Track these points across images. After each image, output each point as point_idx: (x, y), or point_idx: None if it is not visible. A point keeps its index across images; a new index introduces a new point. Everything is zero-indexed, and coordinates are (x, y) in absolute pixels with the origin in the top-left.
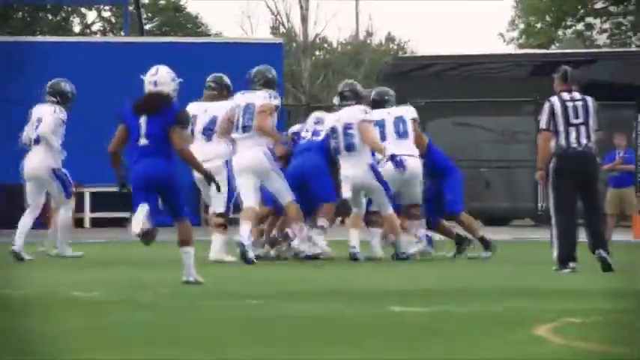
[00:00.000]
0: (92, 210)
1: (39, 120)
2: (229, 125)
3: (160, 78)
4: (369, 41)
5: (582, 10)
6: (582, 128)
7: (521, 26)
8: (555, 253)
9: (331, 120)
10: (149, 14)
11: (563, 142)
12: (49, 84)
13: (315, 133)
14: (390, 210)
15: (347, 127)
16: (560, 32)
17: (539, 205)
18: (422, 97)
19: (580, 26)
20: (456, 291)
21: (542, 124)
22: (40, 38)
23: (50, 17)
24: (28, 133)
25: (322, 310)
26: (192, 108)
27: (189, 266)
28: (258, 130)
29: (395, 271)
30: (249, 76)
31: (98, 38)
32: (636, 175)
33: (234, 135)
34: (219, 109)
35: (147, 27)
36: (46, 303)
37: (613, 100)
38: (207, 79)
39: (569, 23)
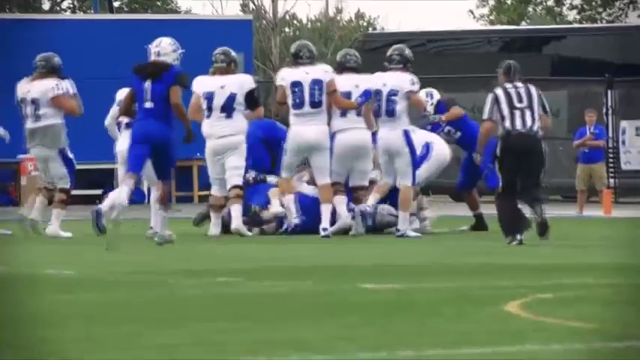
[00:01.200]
0: None
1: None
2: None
3: (163, 49)
4: (338, 18)
5: None
6: (527, 111)
7: (492, 3)
8: (503, 228)
9: (378, 82)
10: None
11: (508, 124)
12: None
13: None
14: (409, 183)
15: (392, 92)
16: (530, 8)
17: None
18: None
19: (550, 2)
20: (429, 268)
21: (485, 114)
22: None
23: None
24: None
25: (293, 287)
26: (206, 84)
27: (164, 225)
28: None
29: (368, 247)
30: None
31: (66, 15)
32: (606, 151)
33: (295, 110)
34: (234, 85)
35: (116, 4)
36: (17, 281)
37: (583, 76)
38: (216, 53)
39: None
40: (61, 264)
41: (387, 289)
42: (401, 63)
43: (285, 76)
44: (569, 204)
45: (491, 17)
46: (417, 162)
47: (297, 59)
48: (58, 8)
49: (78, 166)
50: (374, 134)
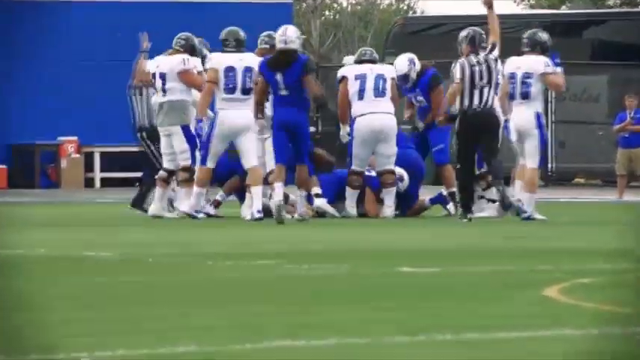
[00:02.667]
0: (102, 170)
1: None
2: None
3: (289, 37)
4: (378, 1)
5: None
6: (485, 90)
7: None
8: (458, 204)
9: (512, 66)
10: None
11: (466, 102)
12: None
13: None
14: (535, 165)
15: (526, 75)
16: None
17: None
18: (432, 58)
19: None
20: (466, 251)
21: (457, 78)
22: None
23: None
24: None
25: (331, 270)
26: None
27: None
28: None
29: (405, 231)
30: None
31: None
32: None
33: (227, 95)
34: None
35: None
36: (57, 262)
37: (623, 61)
38: (262, 36)
39: None
40: (100, 246)
41: (424, 273)
42: (529, 46)
43: (221, 60)
44: (610, 189)
45: (532, 1)
46: (544, 144)
47: (224, 46)
48: None
49: (115, 148)
50: (506, 121)
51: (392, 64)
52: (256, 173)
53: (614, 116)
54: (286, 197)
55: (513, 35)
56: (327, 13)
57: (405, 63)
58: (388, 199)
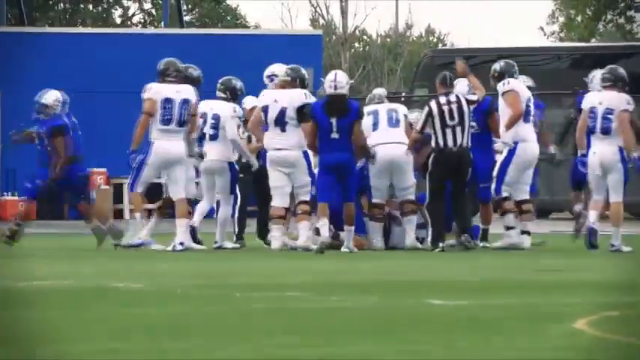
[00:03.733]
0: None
1: (215, 117)
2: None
3: (339, 83)
4: (408, 33)
5: (622, 4)
6: (457, 129)
7: (561, 19)
8: (430, 235)
9: (593, 101)
10: (189, 6)
11: (440, 141)
12: (221, 80)
13: None
14: (620, 198)
15: (608, 111)
16: (600, 25)
17: None
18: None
19: (621, 19)
20: (495, 284)
21: (418, 127)
22: (74, 29)
23: (91, 8)
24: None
25: (358, 302)
26: (265, 98)
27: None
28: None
29: (430, 263)
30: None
31: (136, 30)
32: None
33: (163, 126)
34: (285, 99)
35: (186, 18)
36: (86, 293)
37: None
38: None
39: (609, 17)
40: (130, 277)
41: (453, 306)
42: (614, 83)
43: (159, 90)
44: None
45: (562, 34)
46: (627, 178)
47: (164, 76)
48: (129, 22)
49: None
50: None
51: (420, 96)
52: (183, 205)
53: None
54: (336, 235)
55: (543, 68)
56: (356, 45)
57: (464, 85)
58: (409, 228)
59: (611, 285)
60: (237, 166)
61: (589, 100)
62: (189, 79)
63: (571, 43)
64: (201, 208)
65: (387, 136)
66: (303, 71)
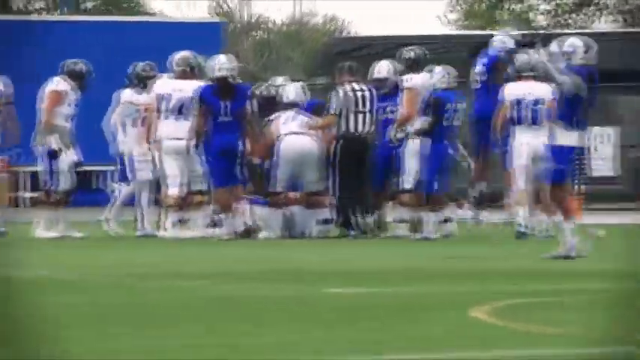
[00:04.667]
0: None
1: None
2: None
3: (223, 65)
4: (310, 21)
5: None
6: (367, 116)
7: (462, 8)
8: (338, 221)
9: (519, 92)
10: None
11: (345, 127)
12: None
13: None
14: (548, 187)
15: (536, 101)
16: (500, 13)
17: None
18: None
19: (520, 7)
20: (397, 271)
21: (332, 109)
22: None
23: None
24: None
25: (256, 290)
26: (162, 87)
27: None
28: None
29: (337, 251)
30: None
31: (37, 17)
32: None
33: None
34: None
35: (89, 5)
36: None
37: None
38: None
39: (508, 6)
40: (52, 265)
41: (351, 294)
42: (529, 71)
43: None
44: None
45: (461, 23)
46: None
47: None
48: (30, 8)
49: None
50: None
51: (321, 84)
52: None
53: None
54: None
55: (443, 56)
56: (257, 32)
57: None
58: (313, 218)
59: (511, 273)
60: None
61: (513, 92)
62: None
63: (471, 31)
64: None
65: (294, 126)
66: (197, 60)
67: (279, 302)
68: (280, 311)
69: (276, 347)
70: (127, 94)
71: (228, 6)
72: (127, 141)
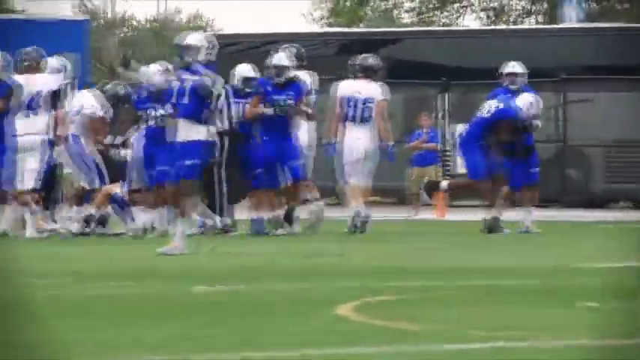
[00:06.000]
0: None
1: None
2: None
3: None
4: (177, 19)
5: None
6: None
7: (329, 5)
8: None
9: (351, 90)
10: None
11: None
12: None
13: None
14: (370, 183)
15: (367, 100)
16: (366, 11)
17: None
18: (226, 76)
19: (385, 5)
20: (262, 269)
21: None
22: None
23: None
24: None
25: (123, 290)
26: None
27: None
28: None
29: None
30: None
31: None
32: (440, 155)
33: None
34: (43, 83)
35: None
36: None
37: (418, 80)
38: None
39: (373, 3)
40: None
41: (216, 291)
42: (362, 72)
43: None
44: (403, 207)
45: (329, 20)
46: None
47: None
48: None
49: None
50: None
51: None
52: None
53: (409, 135)
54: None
55: (309, 53)
56: (124, 30)
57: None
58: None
59: (378, 270)
60: None
61: (345, 89)
62: None
63: (338, 28)
64: None
65: None
66: (40, 53)
67: (139, 300)
68: (142, 308)
69: (150, 344)
70: None
71: (93, 4)
72: None
